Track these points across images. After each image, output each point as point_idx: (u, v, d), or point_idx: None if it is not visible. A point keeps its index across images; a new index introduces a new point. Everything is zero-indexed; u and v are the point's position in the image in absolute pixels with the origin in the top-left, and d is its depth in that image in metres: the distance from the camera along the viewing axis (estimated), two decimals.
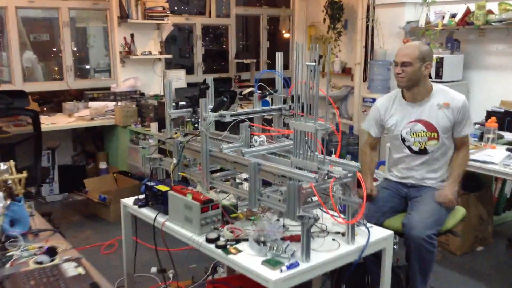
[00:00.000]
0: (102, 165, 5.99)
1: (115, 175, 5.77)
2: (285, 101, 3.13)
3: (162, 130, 3.13)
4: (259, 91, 3.05)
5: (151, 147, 3.29)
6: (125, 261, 3.33)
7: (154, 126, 5.17)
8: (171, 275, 4.07)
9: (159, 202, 2.99)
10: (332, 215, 2.39)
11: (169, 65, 7.47)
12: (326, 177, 2.42)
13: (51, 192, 6.18)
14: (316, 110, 2.42)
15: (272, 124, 3.13)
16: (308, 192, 2.34)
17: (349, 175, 2.48)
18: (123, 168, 6.00)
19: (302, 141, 2.48)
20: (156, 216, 2.94)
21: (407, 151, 3.46)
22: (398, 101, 3.45)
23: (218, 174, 3.09)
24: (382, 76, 6.50)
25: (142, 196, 3.13)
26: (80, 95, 6.54)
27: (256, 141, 2.74)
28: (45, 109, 6.29)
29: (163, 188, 2.98)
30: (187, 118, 3.13)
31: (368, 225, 2.71)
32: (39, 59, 6.69)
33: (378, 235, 2.64)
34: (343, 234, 2.62)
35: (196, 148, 2.95)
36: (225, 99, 2.90)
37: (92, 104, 6.15)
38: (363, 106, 6.66)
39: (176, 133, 3.11)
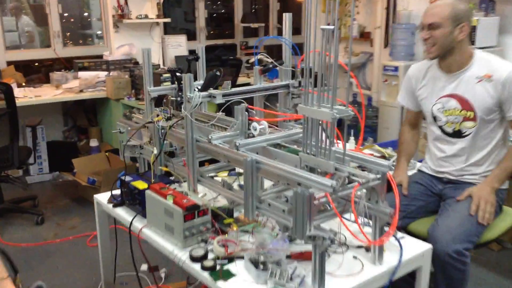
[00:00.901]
0: (93, 143, 5.42)
1: (107, 153, 5.21)
2: (294, 75, 2.49)
3: (159, 109, 2.52)
4: (260, 65, 2.41)
5: (130, 131, 2.69)
6: (102, 271, 2.78)
7: None
8: (163, 275, 3.53)
9: (136, 202, 2.41)
10: (354, 235, 1.78)
11: (173, 30, 6.78)
12: (347, 181, 1.81)
13: (40, 171, 5.67)
14: (335, 89, 1.79)
15: (278, 105, 2.50)
16: (321, 203, 1.74)
17: (377, 177, 1.86)
18: (118, 145, 5.43)
19: (315, 131, 1.86)
20: (132, 220, 2.36)
21: (439, 133, 2.79)
22: (432, 69, 2.78)
23: (210, 166, 2.49)
24: (405, 41, 5.78)
25: (118, 192, 2.55)
26: (71, 65, 5.93)
27: (255, 129, 2.13)
28: (28, 80, 5.70)
29: (140, 185, 2.40)
30: (172, 96, 2.51)
31: (399, 235, 2.11)
32: (37, 24, 6.08)
33: (412, 251, 2.04)
34: (367, 249, 2.03)
35: (181, 136, 2.35)
36: (217, 73, 2.26)
37: (82, 74, 5.58)
38: (384, 75, 5.99)
39: (158, 115, 2.51)
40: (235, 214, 2.28)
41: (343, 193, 1.78)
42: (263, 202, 1.94)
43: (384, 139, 6.42)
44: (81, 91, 5.37)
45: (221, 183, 2.16)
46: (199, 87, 2.26)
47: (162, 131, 2.43)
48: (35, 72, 6.07)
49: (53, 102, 5.35)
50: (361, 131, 2.07)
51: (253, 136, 2.14)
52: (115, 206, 2.54)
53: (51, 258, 3.87)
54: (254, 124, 2.13)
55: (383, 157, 3.23)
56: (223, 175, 2.72)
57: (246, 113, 2.16)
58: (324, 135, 1.85)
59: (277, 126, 2.26)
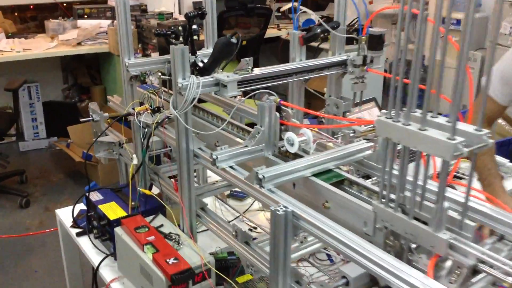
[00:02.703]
0: (93, 106, 4.58)
1: (109, 120, 4.36)
2: (351, 40, 1.59)
3: (145, 94, 1.66)
4: (302, 30, 1.51)
5: (105, 122, 1.85)
6: None
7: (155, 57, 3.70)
8: None
9: (106, 236, 1.59)
10: None
11: None
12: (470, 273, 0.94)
13: (36, 136, 4.91)
14: (459, 94, 0.90)
15: (326, 94, 1.61)
16: None
17: None
18: None
19: (405, 166, 0.98)
20: (99, 264, 1.55)
21: None
22: None
23: (219, 183, 1.64)
24: None
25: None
26: (71, 12, 5.04)
27: (292, 144, 1.25)
28: (20, 29, 4.86)
29: (113, 211, 1.57)
30: (162, 73, 1.63)
31: None
32: None
33: None
34: None
35: (172, 141, 1.49)
36: (232, 39, 1.37)
37: (81, 23, 4.69)
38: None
39: (141, 103, 1.64)
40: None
41: None
42: (302, 282, 1.09)
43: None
44: (79, 43, 4.51)
45: (233, 230, 1.30)
46: (202, 64, 1.39)
47: (145, 130, 1.57)
48: (31, 20, 5.20)
49: (49, 57, 4.52)
50: None
51: (287, 156, 1.27)
52: (79, 234, 1.72)
53: (30, 258, 3.14)
54: (290, 135, 1.25)
55: None
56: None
57: (277, 114, 1.28)
58: (424, 176, 0.97)
59: (327, 136, 1.36)
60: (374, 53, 1.50)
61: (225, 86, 1.27)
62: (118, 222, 1.49)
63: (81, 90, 5.19)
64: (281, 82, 1.41)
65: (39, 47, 4.42)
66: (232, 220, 1.80)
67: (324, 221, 1.03)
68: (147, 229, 1.40)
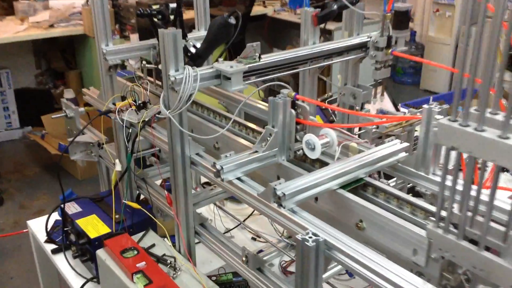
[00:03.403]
0: (68, 94, 4.28)
1: (87, 108, 4.06)
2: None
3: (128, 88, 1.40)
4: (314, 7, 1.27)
5: (79, 118, 1.60)
6: None
7: (134, 39, 3.45)
8: None
9: (86, 255, 1.35)
10: None
11: None
12: None
13: (9, 125, 4.60)
14: None
15: (341, 82, 1.37)
16: None
17: None
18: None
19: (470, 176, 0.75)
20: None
21: None
22: None
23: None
24: None
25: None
26: None
27: (314, 148, 1.02)
28: None
29: (93, 228, 1.32)
30: (144, 61, 1.37)
31: None
32: None
33: None
34: None
35: (163, 145, 1.24)
36: (230, 20, 1.13)
37: (53, 3, 4.36)
38: (435, 3, 4.77)
39: (123, 97, 1.39)
40: None
41: None
42: None
43: (429, 85, 5.24)
44: (51, 26, 4.19)
45: (243, 255, 1.07)
46: (195, 49, 1.15)
47: (129, 130, 1.32)
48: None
49: (21, 41, 4.19)
50: None
51: (304, 161, 1.04)
52: (55, 252, 1.48)
53: (5, 263, 2.88)
54: (310, 138, 1.02)
55: None
56: None
57: (292, 111, 1.04)
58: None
59: (352, 135, 1.13)
60: (398, 32, 1.27)
61: (229, 78, 1.03)
62: (100, 241, 1.25)
63: (55, 76, 4.86)
64: (294, 71, 1.17)
65: (8, 30, 4.10)
66: (233, 229, 1.57)
67: (368, 255, 0.80)
68: (136, 252, 1.16)
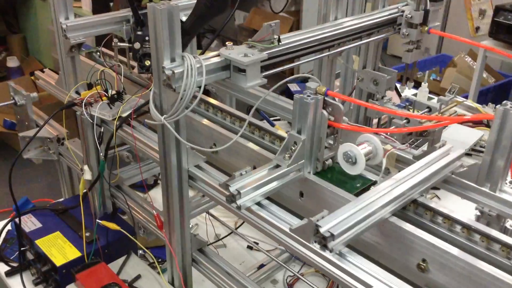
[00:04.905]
0: (12, 63, 3.84)
1: (34, 77, 3.66)
2: None
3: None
4: None
5: (31, 106, 1.30)
6: None
7: (86, 3, 3.09)
8: None
9: (50, 284, 1.08)
10: None
11: None
12: None
13: None
14: None
15: (358, 66, 1.13)
16: None
17: None
18: (48, 64, 3.93)
19: None
20: None
21: None
22: None
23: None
24: None
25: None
26: None
27: (354, 161, 0.78)
28: None
29: (57, 252, 1.06)
30: (118, 40, 1.08)
31: None
32: None
33: None
34: None
35: (150, 153, 0.97)
36: None
37: None
38: None
39: (90, 85, 1.10)
40: None
41: None
42: None
43: (396, 51, 5.04)
44: None
45: None
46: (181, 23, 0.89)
47: (101, 129, 1.04)
48: None
49: None
50: None
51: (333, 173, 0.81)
52: (9, 274, 1.20)
53: None
54: (350, 149, 0.78)
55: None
56: None
57: (325, 113, 0.80)
58: None
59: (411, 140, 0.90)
60: (433, 4, 1.04)
61: (242, 71, 0.77)
62: (68, 271, 0.99)
63: None
64: (316, 57, 0.92)
65: None
66: (225, 236, 1.34)
67: None
68: None
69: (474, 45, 1.96)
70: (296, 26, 4.10)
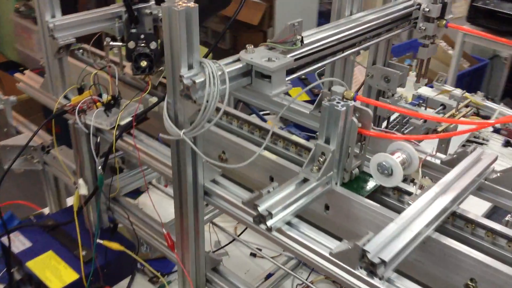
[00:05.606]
0: None
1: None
2: None
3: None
4: None
5: (10, 111, 1.19)
6: None
7: None
8: None
9: None
10: None
11: None
12: None
13: None
14: None
15: (367, 62, 1.07)
16: None
17: None
18: (12, 56, 3.75)
19: None
20: None
21: None
22: None
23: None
24: None
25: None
26: None
27: (391, 173, 0.72)
28: None
29: (51, 274, 0.96)
30: (108, 38, 0.99)
31: None
32: None
33: None
34: None
35: (159, 167, 0.88)
36: None
37: None
38: None
39: (80, 89, 1.00)
40: None
41: None
42: None
43: None
44: None
45: None
46: None
47: (97, 139, 0.94)
48: None
49: None
50: None
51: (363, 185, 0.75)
52: None
53: None
54: (385, 160, 0.72)
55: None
56: None
57: (355, 120, 0.73)
58: None
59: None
60: None
61: (267, 77, 0.69)
62: None
63: None
64: (337, 57, 0.85)
65: None
66: (227, 245, 1.26)
67: None
68: None
69: (460, 30, 1.94)
70: (269, 12, 4.01)
